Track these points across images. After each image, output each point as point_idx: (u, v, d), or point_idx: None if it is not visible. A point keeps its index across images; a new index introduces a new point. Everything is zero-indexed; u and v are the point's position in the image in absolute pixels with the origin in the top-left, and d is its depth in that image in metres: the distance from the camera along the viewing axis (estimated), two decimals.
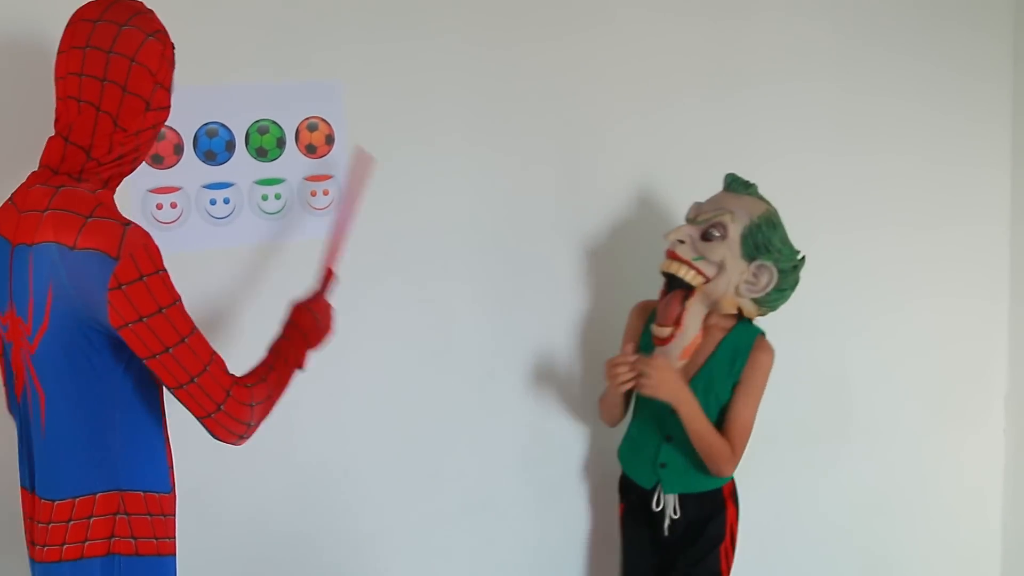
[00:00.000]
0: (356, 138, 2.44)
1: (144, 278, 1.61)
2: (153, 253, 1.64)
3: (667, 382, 2.33)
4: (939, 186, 3.25)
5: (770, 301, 2.42)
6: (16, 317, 1.73)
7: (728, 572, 2.54)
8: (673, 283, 2.41)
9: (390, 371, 2.58)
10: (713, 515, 2.50)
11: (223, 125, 2.31)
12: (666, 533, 2.50)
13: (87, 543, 1.74)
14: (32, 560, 1.82)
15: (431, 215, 2.55)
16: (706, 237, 2.37)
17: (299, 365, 1.92)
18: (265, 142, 2.36)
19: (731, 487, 2.55)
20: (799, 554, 3.21)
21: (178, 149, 2.27)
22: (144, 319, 1.62)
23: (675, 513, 2.48)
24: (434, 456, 2.65)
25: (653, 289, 2.50)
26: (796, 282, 2.43)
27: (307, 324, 1.96)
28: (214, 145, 2.31)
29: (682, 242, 2.39)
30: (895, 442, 3.30)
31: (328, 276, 2.11)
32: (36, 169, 1.76)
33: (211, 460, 2.31)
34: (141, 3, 1.77)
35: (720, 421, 2.43)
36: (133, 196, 2.24)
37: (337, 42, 2.41)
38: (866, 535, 3.31)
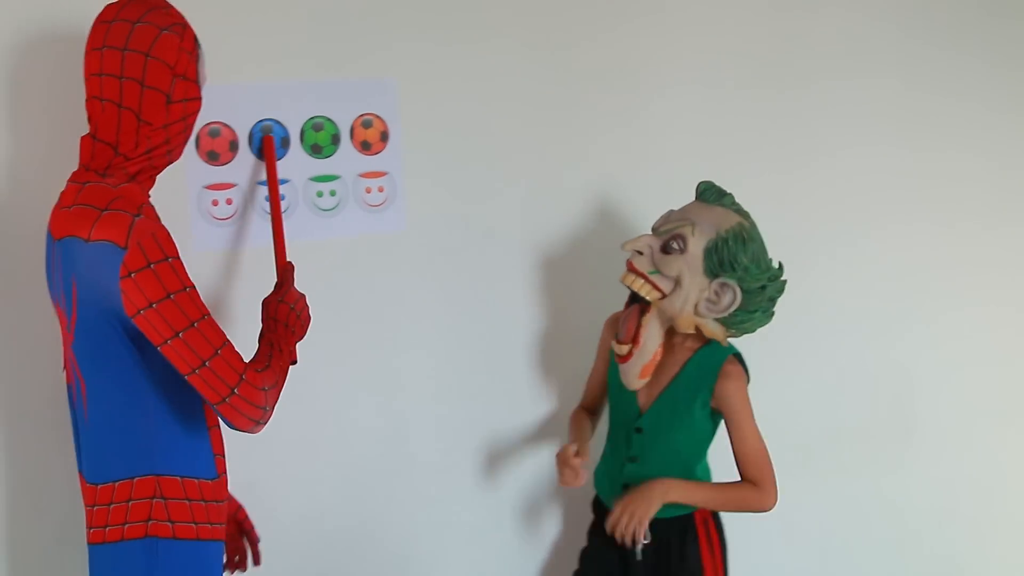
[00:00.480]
0: (411, 134, 2.45)
1: (152, 265, 1.65)
2: (162, 241, 1.67)
3: (649, 500, 2.21)
4: (1004, 187, 3.18)
5: (737, 323, 2.24)
6: (60, 309, 1.80)
7: None
8: (635, 296, 2.28)
9: (443, 367, 2.58)
10: (684, 544, 2.34)
11: (278, 122, 2.32)
12: (638, 557, 2.30)
13: (127, 526, 1.78)
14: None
15: (485, 210, 2.54)
16: (665, 249, 2.22)
17: (290, 355, 1.93)
18: (320, 139, 2.37)
19: (705, 514, 2.37)
20: (863, 558, 3.16)
21: (233, 146, 2.29)
22: (153, 305, 1.65)
23: (646, 538, 2.24)
24: (482, 457, 2.65)
25: None
26: (768, 302, 2.25)
27: (285, 315, 1.98)
28: None
29: (640, 253, 2.25)
30: (962, 445, 3.23)
31: (287, 267, 2.13)
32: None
33: (267, 454, 2.35)
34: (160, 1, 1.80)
35: (694, 446, 2.34)
36: (190, 192, 2.27)
37: (392, 39, 2.41)
38: (935, 540, 3.25)
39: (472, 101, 2.51)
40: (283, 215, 2.30)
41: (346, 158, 2.40)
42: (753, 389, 2.87)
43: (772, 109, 2.84)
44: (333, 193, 2.39)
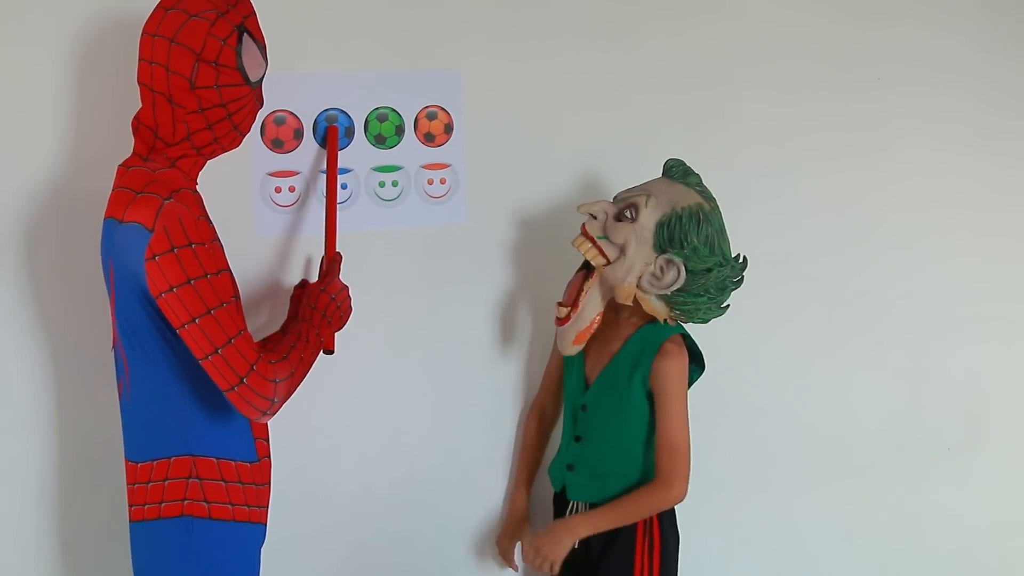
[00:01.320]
0: (475, 127, 2.45)
1: (175, 250, 1.68)
2: (188, 226, 1.70)
3: (558, 542, 2.21)
4: None
5: (680, 305, 2.20)
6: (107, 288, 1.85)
7: None
8: (586, 262, 2.26)
9: (498, 360, 2.59)
10: (618, 534, 2.27)
11: (343, 111, 2.35)
12: (575, 545, 2.27)
13: (163, 504, 1.83)
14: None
15: (546, 205, 2.54)
16: (619, 217, 2.19)
17: (321, 346, 1.96)
18: (384, 129, 2.39)
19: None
20: (922, 569, 3.09)
21: (298, 134, 2.31)
22: (174, 289, 1.69)
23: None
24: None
25: None
26: (717, 290, 2.20)
27: (325, 304, 2.00)
28: None
29: (594, 217, 2.22)
30: None
31: (335, 258, 2.16)
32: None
33: (322, 439, 2.39)
34: None
35: (634, 426, 2.27)
36: (253, 178, 2.30)
37: (458, 31, 2.42)
38: (998, 554, 3.17)
39: (536, 94, 2.50)
40: (344, 204, 2.33)
41: (409, 149, 2.41)
42: (816, 394, 2.86)
43: (842, 112, 2.80)
44: (395, 184, 2.41)
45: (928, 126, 2.90)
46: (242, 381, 1.73)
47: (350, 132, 2.36)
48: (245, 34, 1.83)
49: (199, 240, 1.71)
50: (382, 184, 2.40)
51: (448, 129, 2.44)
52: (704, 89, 2.67)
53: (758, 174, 2.74)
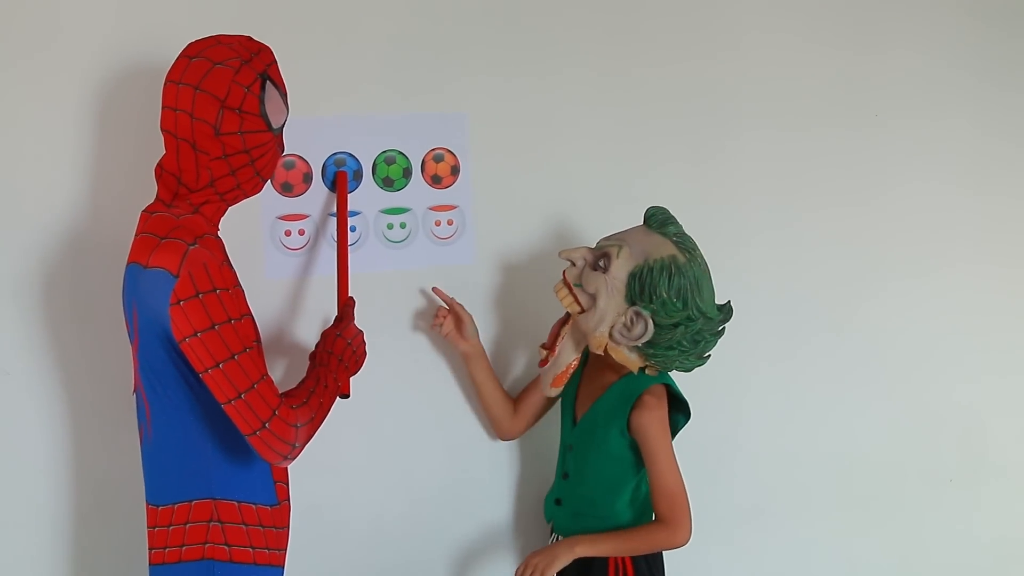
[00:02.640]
0: (481, 169, 2.48)
1: (200, 295, 1.70)
2: (213, 272, 1.72)
3: (553, 555, 2.15)
4: None
5: (653, 357, 2.19)
6: (128, 332, 1.87)
7: None
8: None
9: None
10: (593, 567, 2.25)
11: (351, 155, 2.37)
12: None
13: (184, 548, 1.83)
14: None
15: (555, 246, 2.56)
16: (594, 266, 2.20)
17: (338, 391, 1.97)
18: (392, 172, 2.41)
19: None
20: None
21: (307, 178, 2.34)
22: (199, 334, 1.70)
23: None
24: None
25: None
26: (691, 343, 2.17)
27: (341, 349, 2.02)
28: None
29: (573, 264, 2.25)
30: None
31: (349, 303, 2.18)
32: None
33: (333, 478, 2.39)
34: (227, 36, 1.87)
35: (616, 469, 2.28)
36: (263, 222, 2.32)
37: (464, 74, 2.46)
38: None
39: (541, 135, 2.54)
40: (354, 246, 2.35)
41: (417, 191, 2.44)
42: (818, 427, 2.88)
43: (840, 148, 2.86)
44: (403, 225, 2.43)
45: (926, 158, 2.95)
46: (264, 426, 1.74)
47: (358, 175, 2.38)
48: (268, 81, 1.85)
49: (223, 285, 1.73)
50: (390, 226, 2.42)
51: (455, 171, 2.46)
52: (706, 127, 2.71)
53: (759, 209, 2.78)
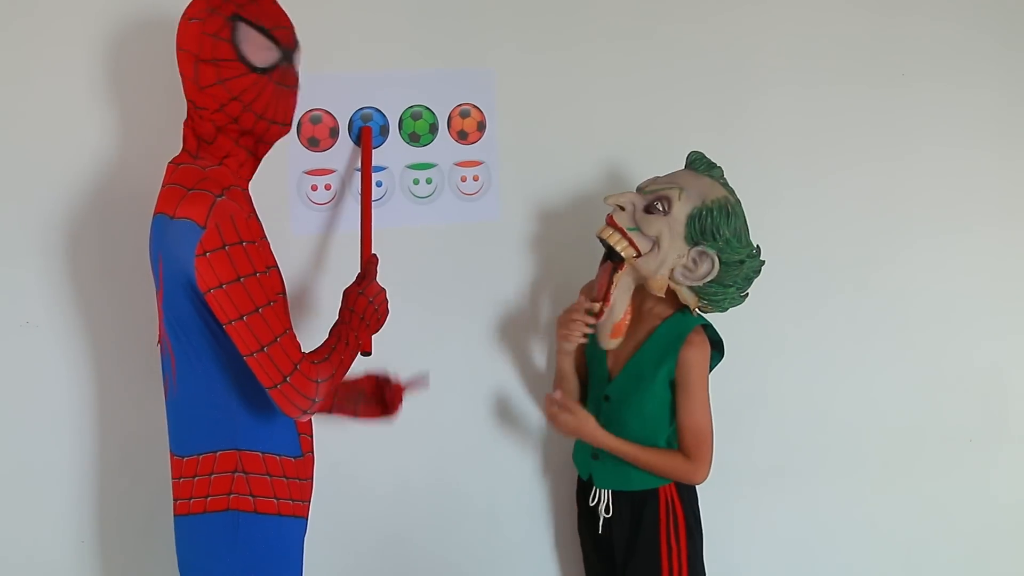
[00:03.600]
0: (507, 125, 2.48)
1: (227, 247, 1.70)
2: (239, 224, 1.71)
3: (577, 427, 2.26)
4: None
5: (711, 295, 2.25)
6: (154, 283, 1.87)
7: None
8: (610, 252, 2.27)
9: (529, 355, 2.61)
10: (643, 519, 2.34)
11: (378, 110, 2.37)
12: (600, 531, 2.39)
13: (209, 498, 1.85)
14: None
15: (578, 203, 2.56)
16: (649, 209, 2.21)
17: (359, 348, 1.97)
18: (418, 127, 2.41)
19: (673, 489, 2.35)
20: (947, 558, 3.12)
21: (333, 132, 2.34)
22: (224, 286, 1.70)
23: (607, 512, 2.36)
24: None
25: None
26: (745, 280, 2.25)
27: (363, 307, 2.01)
28: None
29: (622, 208, 2.24)
30: None
31: (371, 260, 2.16)
32: None
33: (357, 434, 2.39)
34: None
35: (658, 416, 2.31)
36: (290, 176, 2.33)
37: (491, 30, 2.45)
38: (1021, 544, 3.20)
39: (567, 92, 2.53)
40: (379, 201, 2.36)
41: (443, 147, 2.43)
42: (839, 386, 2.88)
43: (866, 107, 2.84)
44: (429, 181, 2.43)
45: (952, 121, 2.93)
46: (285, 379, 1.75)
47: (384, 130, 2.38)
48: (240, 23, 1.79)
49: (250, 238, 1.73)
50: (416, 181, 2.42)
51: (481, 127, 2.46)
52: (730, 85, 2.70)
53: (783, 169, 2.77)
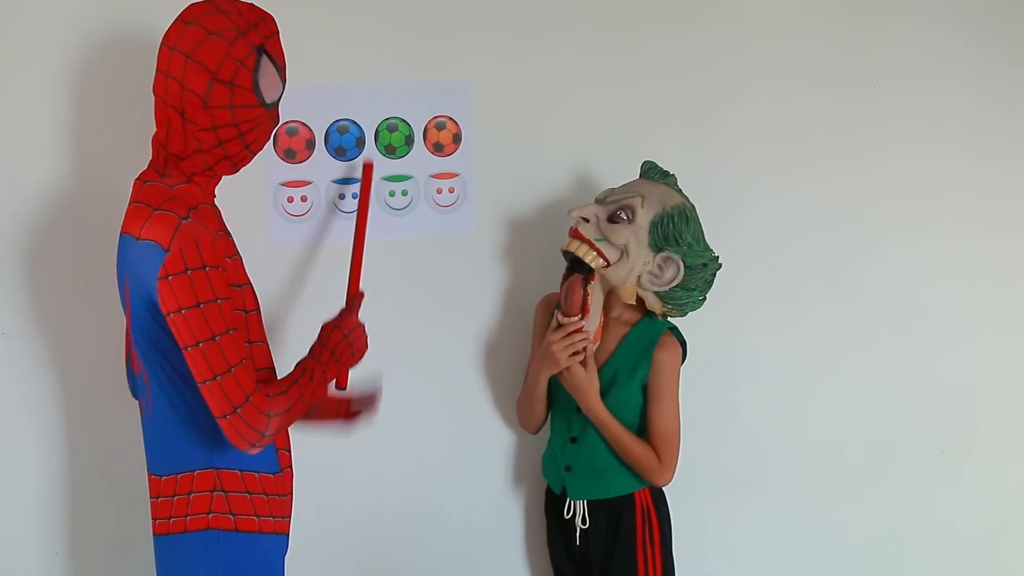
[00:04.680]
0: (483, 137, 2.48)
1: (189, 271, 1.68)
2: (204, 248, 1.69)
3: (579, 388, 2.30)
4: None
5: (675, 299, 2.30)
6: (122, 303, 1.85)
7: None
8: (574, 265, 2.31)
9: (507, 367, 2.62)
10: (620, 527, 2.37)
11: (354, 122, 2.37)
12: (577, 543, 2.41)
13: (189, 518, 1.83)
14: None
15: (554, 215, 2.58)
16: (612, 219, 2.26)
17: (325, 383, 1.91)
18: (394, 139, 2.41)
19: (647, 495, 2.40)
20: (916, 570, 3.15)
21: (310, 144, 2.34)
22: (183, 311, 1.68)
23: (584, 523, 2.39)
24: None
25: None
26: (706, 283, 2.33)
27: (335, 342, 1.95)
28: (344, 141, 2.37)
29: (586, 220, 2.28)
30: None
31: (356, 295, 2.14)
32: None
33: (333, 445, 2.39)
34: (227, 2, 1.80)
35: (630, 420, 2.35)
36: (266, 188, 2.32)
37: (467, 43, 2.46)
38: (990, 555, 3.23)
39: (543, 104, 2.54)
40: (353, 213, 2.35)
41: (419, 159, 2.44)
42: (810, 395, 2.91)
43: (838, 117, 2.86)
44: (405, 193, 2.44)
45: (923, 130, 2.96)
46: (236, 411, 1.71)
47: (360, 142, 2.38)
48: (264, 55, 1.80)
49: (214, 263, 1.70)
50: (392, 193, 2.42)
51: (457, 139, 2.47)
52: (706, 97, 2.71)
53: (756, 178, 2.80)
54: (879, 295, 2.96)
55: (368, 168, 2.30)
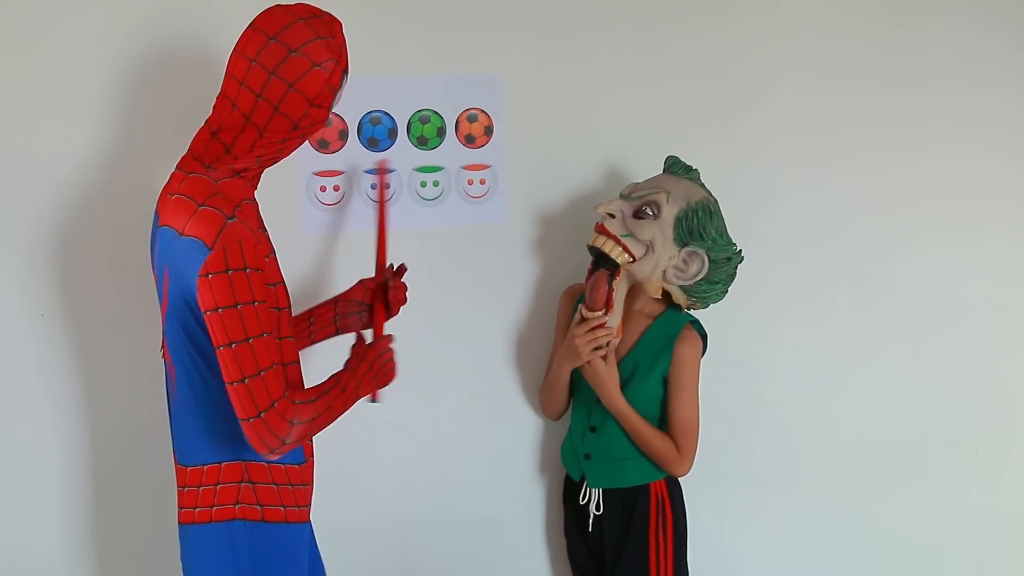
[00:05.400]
0: (514, 130, 2.52)
1: (229, 271, 1.68)
2: (247, 250, 1.70)
3: (600, 379, 2.34)
4: None
5: (699, 292, 2.34)
6: (157, 292, 1.87)
7: None
8: (600, 260, 2.33)
9: (533, 358, 2.65)
10: (634, 516, 2.40)
11: (386, 113, 2.42)
12: (590, 529, 2.45)
13: (215, 508, 1.85)
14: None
15: (585, 207, 2.60)
16: (638, 215, 2.30)
17: (356, 397, 1.92)
18: (426, 131, 2.45)
19: (663, 486, 2.43)
20: (949, 569, 3.14)
21: (343, 135, 2.39)
22: (220, 310, 1.69)
23: (597, 509, 2.43)
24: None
25: None
26: (730, 276, 2.36)
27: (372, 360, 1.97)
28: (377, 132, 2.41)
29: (612, 216, 2.31)
30: None
31: (382, 319, 2.16)
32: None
33: (361, 433, 2.44)
34: (327, 25, 1.80)
35: (649, 412, 2.39)
36: (299, 177, 2.37)
37: (500, 36, 2.49)
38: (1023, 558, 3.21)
39: (574, 98, 2.57)
40: (388, 202, 2.39)
41: (450, 150, 2.48)
42: (842, 393, 2.90)
43: (874, 115, 2.86)
44: (436, 184, 2.48)
45: (961, 130, 2.94)
46: (260, 415, 1.72)
47: (393, 133, 2.42)
48: (345, 76, 1.85)
49: (255, 265, 1.71)
50: (423, 184, 2.46)
51: (488, 131, 2.50)
52: (738, 93, 2.72)
53: (789, 174, 2.80)
54: (914, 294, 2.96)
55: (382, 168, 2.33)
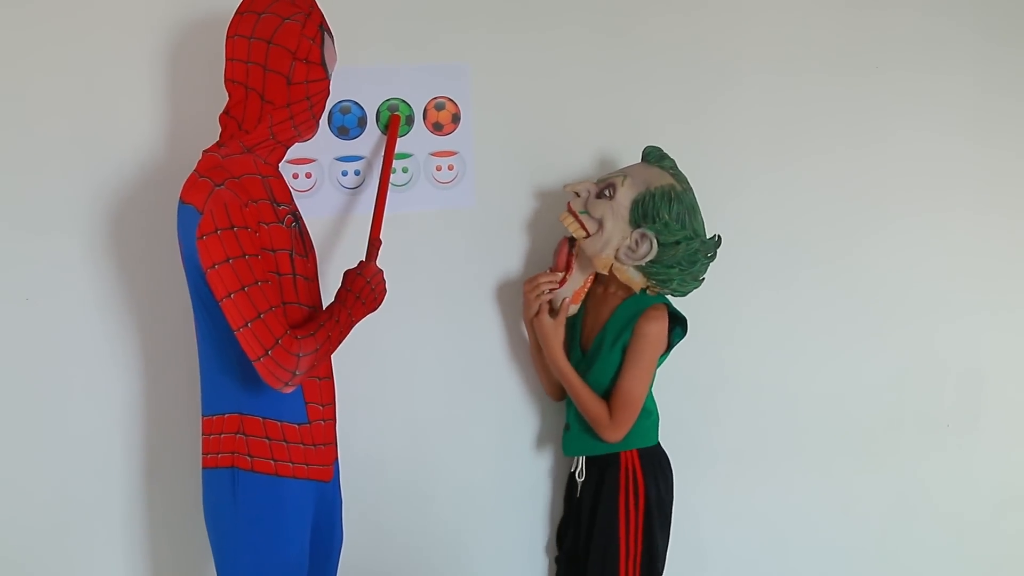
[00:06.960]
0: (481, 117, 2.59)
1: (218, 231, 1.87)
2: (233, 211, 1.88)
3: (542, 326, 2.50)
4: None
5: (655, 275, 2.43)
6: None
7: (630, 550, 2.50)
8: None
9: (501, 335, 2.73)
10: (605, 482, 2.52)
11: (356, 103, 2.50)
12: (578, 494, 2.59)
13: (220, 455, 2.05)
14: None
15: (552, 191, 2.67)
16: (599, 196, 2.44)
17: (351, 326, 2.12)
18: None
19: (635, 457, 2.52)
20: (923, 538, 3.21)
21: None
22: (216, 266, 1.87)
23: (580, 476, 2.56)
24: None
25: None
26: (686, 261, 2.41)
27: (359, 287, 2.17)
28: (347, 121, 2.50)
29: (578, 195, 2.47)
30: None
31: (376, 243, 2.31)
32: None
33: (340, 411, 2.49)
34: None
35: (603, 384, 2.49)
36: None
37: (466, 26, 2.56)
38: (994, 530, 3.27)
39: (541, 85, 2.64)
40: (357, 190, 2.49)
41: (419, 138, 2.56)
42: (815, 370, 2.95)
43: (840, 97, 2.92)
44: (406, 170, 2.56)
45: (925, 110, 3.01)
46: (267, 353, 1.90)
47: (362, 122, 2.51)
48: (326, 33, 2.06)
49: (242, 224, 1.89)
50: (393, 170, 2.54)
51: (456, 119, 2.58)
52: (704, 77, 2.79)
53: (757, 158, 2.87)
54: (883, 272, 3.03)
55: (394, 121, 2.48)
